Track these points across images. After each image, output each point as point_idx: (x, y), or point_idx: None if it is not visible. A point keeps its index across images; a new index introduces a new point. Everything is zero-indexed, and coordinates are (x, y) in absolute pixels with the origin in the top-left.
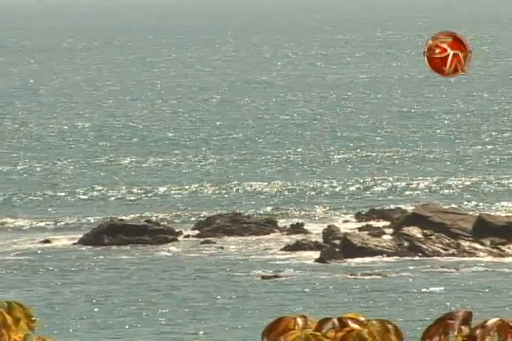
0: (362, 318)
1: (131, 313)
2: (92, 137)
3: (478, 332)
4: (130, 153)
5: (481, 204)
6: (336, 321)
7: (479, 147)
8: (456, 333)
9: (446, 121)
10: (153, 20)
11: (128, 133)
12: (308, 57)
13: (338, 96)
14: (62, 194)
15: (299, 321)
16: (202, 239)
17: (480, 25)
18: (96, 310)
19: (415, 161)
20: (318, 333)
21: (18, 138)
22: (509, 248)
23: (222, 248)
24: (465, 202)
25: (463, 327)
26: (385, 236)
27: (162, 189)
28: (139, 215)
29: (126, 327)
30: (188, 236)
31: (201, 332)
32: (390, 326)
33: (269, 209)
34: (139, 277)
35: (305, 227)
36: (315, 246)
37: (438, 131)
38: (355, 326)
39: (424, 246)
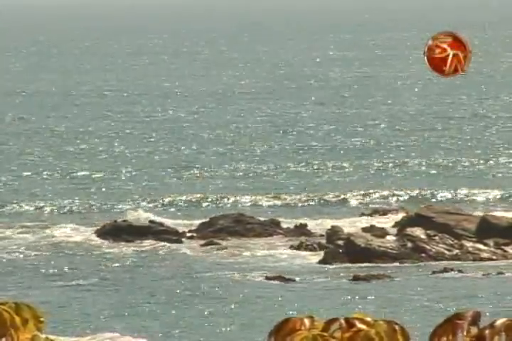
0: (369, 319)
1: (133, 314)
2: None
3: (487, 332)
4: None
5: (485, 204)
6: (343, 321)
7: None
8: (464, 333)
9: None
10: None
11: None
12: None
13: (337, 99)
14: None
15: (306, 321)
16: (205, 240)
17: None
18: (95, 310)
19: (418, 165)
20: (325, 333)
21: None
22: None
23: (225, 248)
24: (469, 203)
25: (471, 328)
26: (388, 237)
27: (164, 191)
28: (143, 216)
29: (126, 327)
30: (191, 237)
31: (203, 332)
32: (396, 327)
33: (273, 210)
34: (141, 277)
35: (308, 228)
36: (318, 247)
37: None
38: (363, 326)
39: (427, 246)
